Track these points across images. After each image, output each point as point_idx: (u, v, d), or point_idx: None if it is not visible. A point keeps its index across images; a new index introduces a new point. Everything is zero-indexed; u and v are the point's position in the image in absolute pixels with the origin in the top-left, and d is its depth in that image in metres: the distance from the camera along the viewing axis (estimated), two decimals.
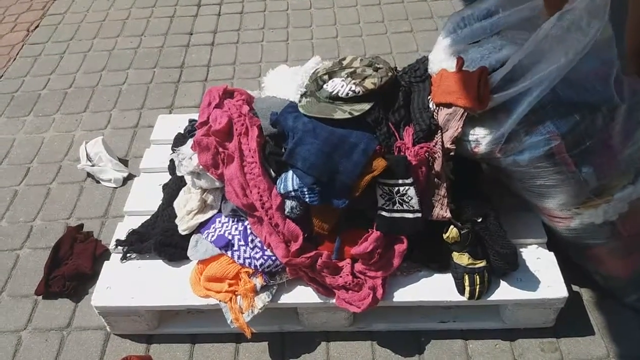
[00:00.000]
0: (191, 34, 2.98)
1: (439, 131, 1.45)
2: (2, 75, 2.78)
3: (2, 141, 2.37)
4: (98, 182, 2.13)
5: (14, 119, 2.49)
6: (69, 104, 2.56)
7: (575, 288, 1.65)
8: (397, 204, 1.44)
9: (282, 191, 1.46)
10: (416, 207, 1.43)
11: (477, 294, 1.45)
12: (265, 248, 1.49)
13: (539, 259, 1.55)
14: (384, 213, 1.45)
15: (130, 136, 2.35)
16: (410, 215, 1.44)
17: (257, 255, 1.48)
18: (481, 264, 1.46)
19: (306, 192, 1.42)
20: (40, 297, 1.75)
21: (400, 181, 1.42)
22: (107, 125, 2.42)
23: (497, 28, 1.48)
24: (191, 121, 1.87)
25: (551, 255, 1.56)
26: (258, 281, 1.47)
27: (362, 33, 2.85)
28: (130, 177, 2.14)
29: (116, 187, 2.11)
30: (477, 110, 1.38)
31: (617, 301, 1.61)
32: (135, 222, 1.70)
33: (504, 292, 1.48)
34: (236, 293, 1.47)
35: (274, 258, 1.47)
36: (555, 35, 1.27)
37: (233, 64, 2.73)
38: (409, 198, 1.42)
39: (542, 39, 1.29)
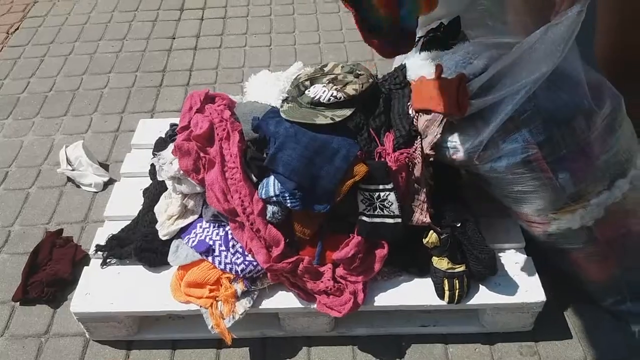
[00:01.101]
0: (174, 38, 2.97)
1: (419, 137, 1.47)
2: None
3: None
4: (78, 186, 2.11)
5: None
6: (49, 107, 2.53)
7: (553, 292, 1.67)
8: (378, 209, 1.45)
9: (263, 196, 1.46)
10: (396, 212, 1.45)
11: (456, 298, 1.47)
12: (246, 253, 1.49)
13: (517, 264, 1.57)
14: (364, 218, 1.46)
15: (111, 140, 2.34)
16: (390, 221, 1.46)
17: (238, 261, 1.48)
18: (460, 268, 1.48)
19: (288, 197, 1.43)
20: (18, 303, 1.72)
21: (380, 186, 1.43)
22: (88, 130, 2.40)
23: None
24: (172, 125, 1.86)
25: (529, 260, 1.58)
26: (239, 287, 1.47)
27: (344, 39, 2.87)
28: (111, 182, 2.12)
29: (97, 192, 2.09)
30: (456, 117, 1.40)
31: (594, 305, 1.63)
32: (115, 227, 1.69)
33: (483, 296, 1.50)
34: (217, 299, 1.46)
35: (255, 263, 1.47)
36: (538, 48, 1.29)
37: (215, 69, 2.73)
38: (390, 203, 1.44)
39: (525, 50, 1.31)
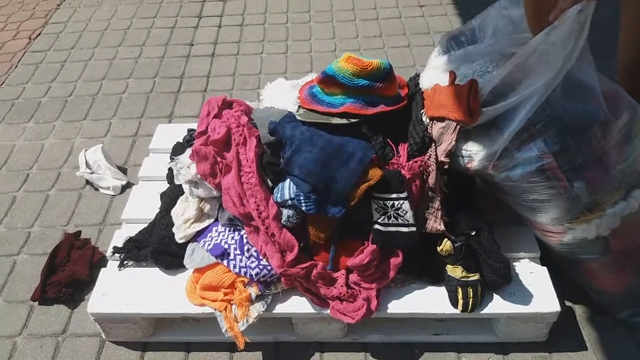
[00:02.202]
0: (192, 45, 3.01)
1: (433, 144, 1.47)
2: (3, 82, 2.80)
3: (1, 147, 2.39)
4: (97, 189, 2.15)
5: (14, 126, 2.51)
6: (69, 111, 2.58)
7: (568, 303, 1.66)
8: (392, 218, 1.46)
9: (278, 200, 1.48)
10: (411, 221, 1.45)
11: (470, 306, 1.47)
12: (260, 257, 1.50)
13: (532, 273, 1.57)
14: (379, 227, 1.47)
15: (130, 145, 2.37)
16: (405, 229, 1.46)
17: (253, 265, 1.49)
18: (474, 277, 1.48)
19: (303, 201, 1.44)
20: (36, 302, 1.75)
21: (394, 195, 1.44)
22: (107, 134, 2.44)
23: (489, 54, 1.52)
24: (190, 131, 1.89)
25: (544, 270, 1.57)
26: (253, 290, 1.48)
27: (360, 47, 2.89)
28: (128, 185, 2.15)
29: (114, 195, 2.12)
30: (468, 124, 1.41)
31: (610, 316, 1.62)
32: (133, 230, 1.72)
33: (497, 305, 1.50)
34: (231, 302, 1.48)
35: (269, 268, 1.48)
36: (543, 51, 1.29)
37: (233, 75, 2.76)
38: (404, 212, 1.44)
39: (530, 54, 1.32)
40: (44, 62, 2.93)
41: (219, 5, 3.33)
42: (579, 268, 1.58)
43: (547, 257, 1.61)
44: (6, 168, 2.28)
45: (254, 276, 1.48)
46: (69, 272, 1.76)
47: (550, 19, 1.26)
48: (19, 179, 2.22)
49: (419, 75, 1.65)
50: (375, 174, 1.44)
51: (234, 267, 1.50)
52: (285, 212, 1.48)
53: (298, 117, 1.55)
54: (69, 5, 3.45)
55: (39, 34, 3.18)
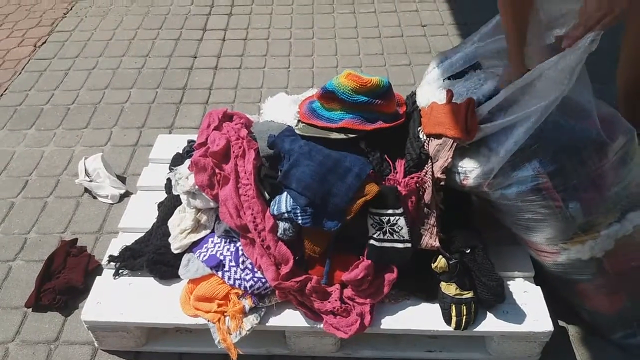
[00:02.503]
0: (195, 57, 3.04)
1: (430, 161, 1.49)
2: (6, 89, 2.82)
3: (2, 153, 2.40)
4: (95, 197, 2.16)
5: (15, 132, 2.53)
6: (71, 119, 2.60)
7: (561, 323, 1.67)
8: (388, 234, 1.47)
9: (275, 212, 1.49)
10: (406, 237, 1.46)
11: (463, 324, 1.47)
12: (255, 270, 1.50)
13: (526, 292, 1.57)
14: (374, 242, 1.48)
15: (130, 154, 2.39)
16: (400, 245, 1.47)
17: (247, 277, 1.50)
18: (468, 294, 1.48)
19: (299, 214, 1.45)
20: (30, 309, 1.75)
21: (390, 211, 1.45)
22: (108, 142, 2.45)
23: (475, 58, 1.54)
24: (189, 142, 1.90)
25: (538, 289, 1.58)
26: (247, 303, 1.48)
27: (361, 64, 2.92)
28: (127, 194, 2.16)
29: (112, 204, 2.13)
30: (465, 141, 1.43)
31: (603, 338, 1.62)
32: (129, 239, 1.72)
33: (490, 323, 1.50)
34: (225, 314, 1.48)
35: (263, 280, 1.48)
36: (549, 76, 1.31)
37: (235, 88, 2.79)
38: (399, 228, 1.45)
39: (536, 78, 1.34)
40: (48, 70, 2.96)
41: (224, 19, 3.37)
42: (572, 288, 1.59)
43: (542, 277, 1.61)
44: (6, 174, 2.29)
45: (248, 288, 1.48)
46: (63, 280, 1.76)
47: (563, 46, 1.27)
48: (18, 185, 2.23)
49: (414, 93, 1.67)
50: (371, 189, 1.45)
51: (229, 278, 1.51)
52: (282, 225, 1.49)
53: (297, 131, 1.57)
54: (75, 14, 3.49)
55: (45, 42, 3.21)
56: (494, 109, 1.40)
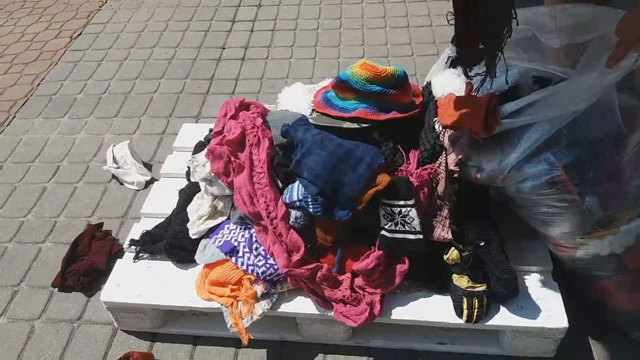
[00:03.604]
0: (223, 48, 3.08)
1: (444, 152, 1.47)
2: (43, 79, 2.93)
3: (36, 140, 2.50)
4: (122, 184, 2.22)
5: (50, 120, 2.63)
6: (102, 108, 2.68)
7: (579, 319, 1.62)
8: (399, 225, 1.46)
9: (287, 201, 1.50)
10: (418, 228, 1.45)
11: (475, 317, 1.45)
12: (268, 256, 1.53)
13: (542, 287, 1.54)
14: (385, 233, 1.48)
15: (157, 142, 2.45)
16: (411, 237, 1.46)
17: (260, 263, 1.52)
18: (481, 287, 1.46)
19: (310, 202, 1.46)
20: (56, 289, 1.83)
21: (402, 202, 1.44)
22: (136, 131, 2.52)
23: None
24: (211, 130, 1.93)
25: (555, 284, 1.54)
26: (259, 288, 1.51)
27: (388, 54, 2.90)
28: (152, 181, 2.22)
29: (138, 190, 2.19)
30: (482, 136, 1.40)
31: (623, 336, 1.57)
32: (150, 224, 1.77)
33: (503, 317, 1.48)
34: (237, 298, 1.51)
35: (275, 267, 1.50)
36: (584, 89, 1.26)
37: (261, 79, 2.82)
38: (411, 219, 1.44)
39: (571, 88, 1.28)
40: (82, 61, 3.06)
41: (253, 11, 3.40)
42: (591, 285, 1.55)
43: (561, 272, 1.58)
44: (39, 160, 2.39)
45: (260, 274, 1.51)
46: (88, 262, 1.83)
47: (607, 67, 1.22)
48: (50, 170, 2.33)
49: (430, 84, 1.65)
50: (383, 179, 1.45)
51: (242, 264, 1.53)
52: (293, 213, 1.51)
53: (311, 121, 1.57)
54: (110, 7, 3.58)
55: (80, 34, 3.32)
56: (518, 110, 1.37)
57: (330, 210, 1.46)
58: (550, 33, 1.37)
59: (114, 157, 2.26)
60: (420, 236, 1.46)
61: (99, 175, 2.28)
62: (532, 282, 1.56)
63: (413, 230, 1.45)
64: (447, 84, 1.55)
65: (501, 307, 1.50)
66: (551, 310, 1.48)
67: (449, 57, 1.64)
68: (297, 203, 1.48)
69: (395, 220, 1.46)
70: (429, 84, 1.67)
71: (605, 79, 1.22)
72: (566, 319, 1.46)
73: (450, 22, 1.29)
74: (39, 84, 2.90)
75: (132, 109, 2.66)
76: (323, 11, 3.33)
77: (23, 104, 2.75)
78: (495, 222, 1.58)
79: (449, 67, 1.62)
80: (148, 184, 2.22)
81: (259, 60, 2.96)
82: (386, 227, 1.47)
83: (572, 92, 1.27)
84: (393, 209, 1.46)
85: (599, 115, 1.31)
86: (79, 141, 2.48)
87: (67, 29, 3.37)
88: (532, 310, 1.48)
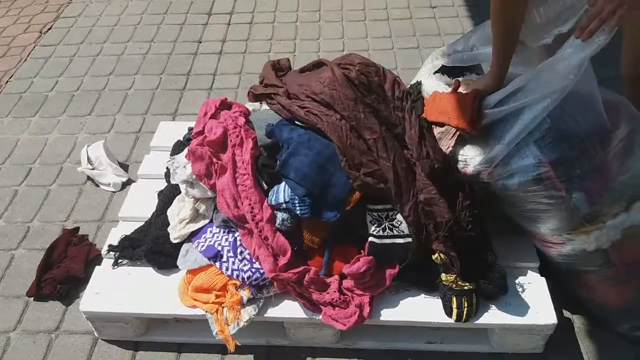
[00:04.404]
0: (200, 42, 3.00)
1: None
2: (12, 76, 2.82)
3: (6, 141, 2.41)
4: (97, 185, 2.15)
5: (19, 119, 2.53)
6: (75, 106, 2.59)
7: (566, 314, 1.63)
8: (387, 230, 1.44)
9: (273, 203, 1.46)
10: (406, 231, 1.44)
11: (464, 316, 1.44)
12: (253, 261, 1.49)
13: (530, 284, 1.53)
14: (374, 240, 1.45)
15: (133, 141, 2.37)
16: (400, 241, 1.45)
17: (245, 268, 1.48)
18: (470, 286, 1.45)
19: (297, 204, 1.43)
20: (32, 298, 1.76)
21: (388, 205, 1.42)
22: (111, 129, 2.44)
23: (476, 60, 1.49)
24: (190, 129, 1.88)
25: (542, 281, 1.54)
26: (245, 294, 1.47)
27: (368, 47, 2.86)
28: (129, 182, 2.15)
29: (115, 192, 2.12)
30: (469, 132, 1.38)
31: (609, 330, 1.58)
32: (129, 228, 1.72)
33: (492, 315, 1.47)
34: (222, 305, 1.47)
35: (261, 271, 1.47)
36: (559, 69, 1.26)
37: (239, 74, 2.75)
38: (399, 222, 1.43)
39: (546, 69, 1.29)
40: (53, 56, 2.95)
41: (230, 3, 3.32)
42: (578, 280, 1.55)
43: (547, 268, 1.58)
44: (9, 162, 2.30)
45: (246, 279, 1.47)
46: (64, 269, 1.76)
47: (577, 37, 1.20)
48: (21, 173, 2.24)
49: (420, 84, 1.63)
50: None
51: (227, 269, 1.49)
52: (280, 216, 1.47)
53: (296, 121, 1.53)
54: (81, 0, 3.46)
55: (50, 28, 3.20)
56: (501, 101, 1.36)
57: (318, 212, 1.43)
58: (540, 32, 1.36)
59: (88, 158, 2.18)
60: (409, 239, 1.44)
61: (73, 177, 2.20)
62: (520, 278, 1.55)
63: (401, 233, 1.44)
64: (436, 86, 1.53)
65: (490, 305, 1.49)
66: (539, 307, 1.48)
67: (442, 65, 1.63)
68: (284, 205, 1.44)
69: (383, 225, 1.44)
70: (419, 83, 1.64)
71: (578, 56, 1.21)
72: (555, 315, 1.46)
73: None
74: (7, 82, 2.78)
75: (107, 107, 2.58)
76: (301, 3, 3.27)
77: None
78: (482, 218, 1.56)
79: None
80: (125, 185, 2.15)
81: (237, 54, 2.90)
82: (374, 233, 1.45)
83: (549, 74, 1.27)
84: (380, 213, 1.44)
85: (583, 108, 1.31)
86: (52, 141, 2.39)
87: (37, 23, 3.25)
88: (521, 307, 1.48)
